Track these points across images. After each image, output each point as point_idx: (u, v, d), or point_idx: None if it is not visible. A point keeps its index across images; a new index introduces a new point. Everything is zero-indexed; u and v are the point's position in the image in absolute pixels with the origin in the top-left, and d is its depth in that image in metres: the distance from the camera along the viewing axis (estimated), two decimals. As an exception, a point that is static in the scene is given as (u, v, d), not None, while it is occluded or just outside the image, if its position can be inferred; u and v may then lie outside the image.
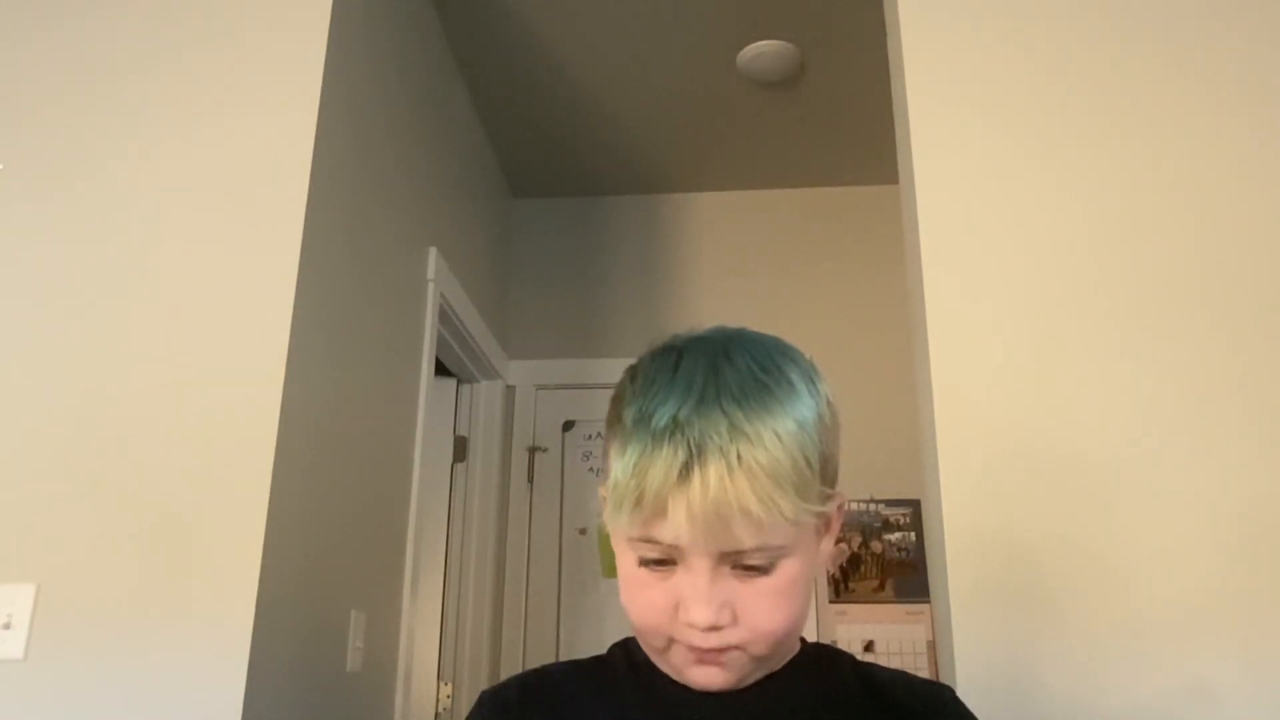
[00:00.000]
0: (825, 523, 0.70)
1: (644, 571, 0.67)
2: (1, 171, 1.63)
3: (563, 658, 3.13)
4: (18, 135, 1.65)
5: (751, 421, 0.63)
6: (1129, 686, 1.17)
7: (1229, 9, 1.46)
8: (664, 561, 0.66)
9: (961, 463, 1.28)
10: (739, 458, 0.62)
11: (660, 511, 0.63)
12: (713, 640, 0.65)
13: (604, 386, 3.14)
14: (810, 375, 0.70)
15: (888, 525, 2.74)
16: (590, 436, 3.01)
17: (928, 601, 2.58)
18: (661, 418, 0.64)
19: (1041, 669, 1.19)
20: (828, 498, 0.68)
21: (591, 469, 2.98)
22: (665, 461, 0.63)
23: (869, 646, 2.63)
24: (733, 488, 0.61)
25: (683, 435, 0.63)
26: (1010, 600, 1.22)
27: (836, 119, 2.75)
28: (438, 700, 2.57)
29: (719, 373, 0.66)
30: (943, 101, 1.46)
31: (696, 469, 0.62)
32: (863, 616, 2.67)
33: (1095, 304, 1.34)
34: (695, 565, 0.64)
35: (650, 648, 0.70)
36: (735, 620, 0.65)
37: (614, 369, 2.91)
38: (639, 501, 0.64)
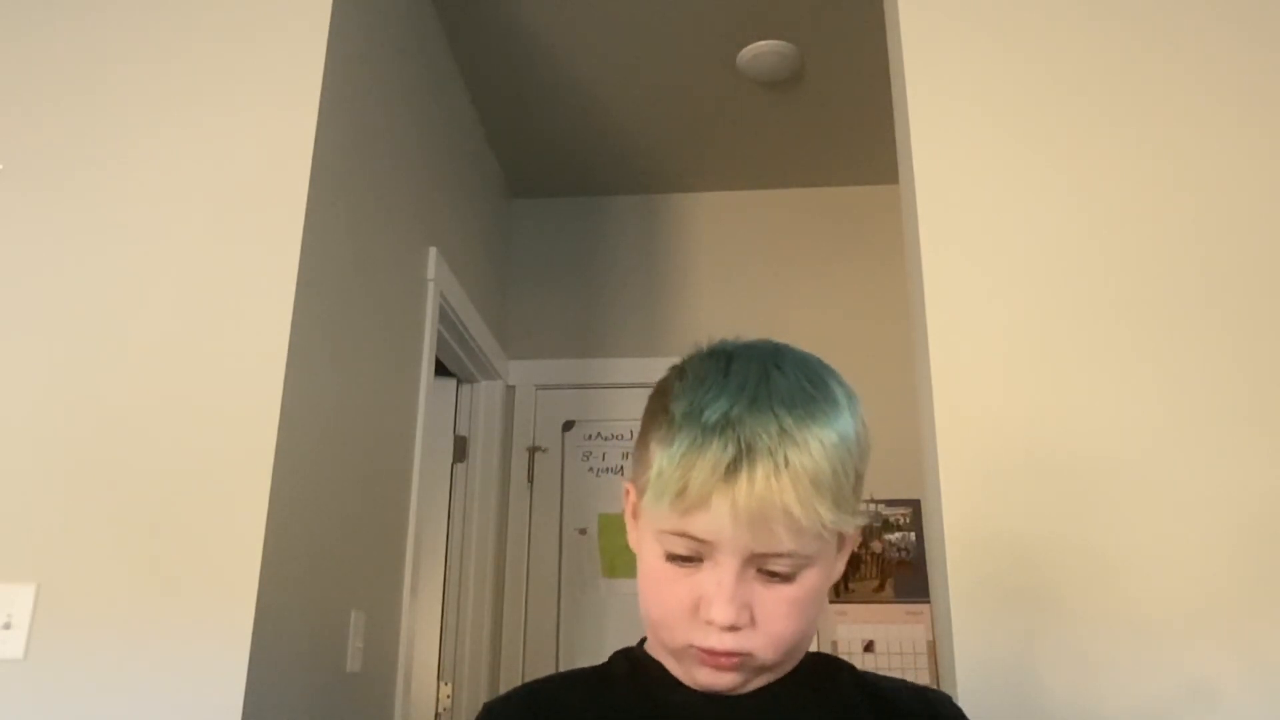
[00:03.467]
0: (842, 540, 0.72)
1: (669, 566, 0.68)
2: (1, 172, 1.63)
3: (563, 658, 3.13)
4: (17, 135, 1.65)
5: (800, 428, 0.65)
6: (1129, 686, 1.17)
7: (1229, 6, 1.46)
8: (690, 559, 0.67)
9: (961, 463, 1.28)
10: (786, 460, 0.63)
11: (702, 505, 0.64)
12: (728, 642, 0.66)
13: (604, 386, 3.14)
14: (850, 395, 0.72)
15: (888, 525, 2.74)
16: (590, 436, 3.01)
17: (928, 601, 2.58)
18: (713, 413, 0.65)
19: (1041, 669, 1.19)
20: (859, 514, 0.69)
21: (591, 469, 2.98)
22: (714, 456, 0.64)
23: (869, 646, 2.64)
24: (778, 488, 0.63)
25: (733, 432, 0.64)
26: (1010, 600, 1.22)
27: (836, 119, 2.75)
28: (438, 700, 2.57)
29: (770, 378, 0.67)
30: (943, 101, 1.46)
31: (744, 466, 0.63)
32: (863, 616, 2.67)
33: (1096, 303, 1.34)
34: (724, 563, 0.65)
35: (663, 645, 0.71)
36: (753, 623, 0.66)
37: (614, 369, 2.92)
38: (682, 493, 0.64)
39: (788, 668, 0.72)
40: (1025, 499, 1.26)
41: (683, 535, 0.66)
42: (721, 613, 0.65)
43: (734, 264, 3.09)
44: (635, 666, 0.75)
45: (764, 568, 0.66)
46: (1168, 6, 1.47)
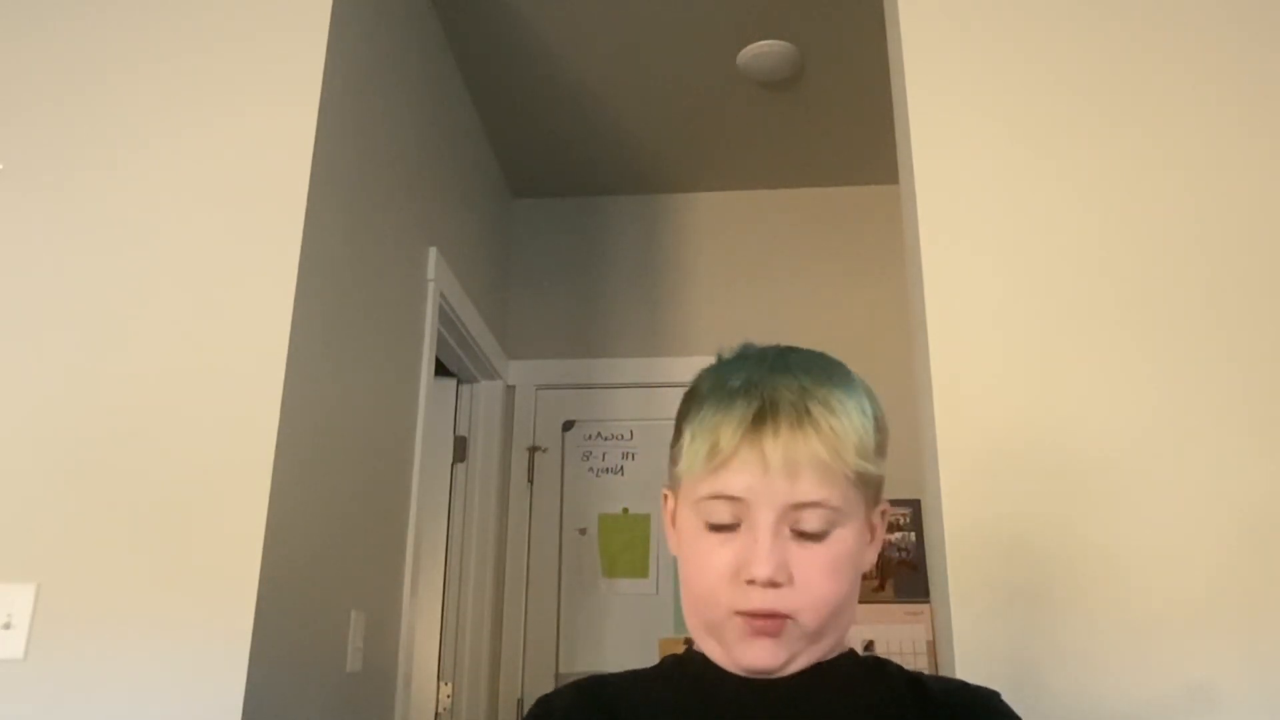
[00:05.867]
0: (871, 528, 0.75)
1: (709, 535, 0.70)
2: (1, 171, 1.62)
3: (563, 658, 3.13)
4: (17, 134, 1.65)
5: (819, 387, 0.70)
6: (1129, 686, 1.17)
7: (1229, 5, 1.46)
8: (728, 525, 0.69)
9: (961, 462, 1.28)
10: (808, 411, 0.68)
11: (732, 459, 0.68)
12: (770, 599, 0.67)
13: (604, 386, 3.14)
14: (866, 384, 0.77)
15: (888, 525, 2.74)
16: (590, 436, 3.00)
17: (928, 601, 2.58)
18: (737, 380, 0.71)
19: (1042, 669, 1.19)
20: (881, 468, 0.73)
21: (591, 469, 2.98)
22: (740, 411, 0.69)
23: (869, 647, 2.63)
24: (803, 436, 0.67)
25: (756, 391, 0.69)
26: (1010, 600, 1.22)
27: (836, 119, 2.75)
28: (438, 700, 2.57)
29: (787, 355, 0.75)
30: (943, 101, 1.46)
31: (769, 418, 0.68)
32: (863, 616, 2.66)
33: (1096, 302, 1.33)
34: (760, 521, 0.68)
35: (706, 623, 0.72)
36: (791, 582, 0.68)
37: (614, 369, 2.92)
38: (713, 450, 0.69)
39: (829, 643, 0.72)
40: (1025, 499, 1.26)
41: (718, 497, 0.69)
42: (761, 568, 0.67)
43: (734, 264, 3.09)
44: (682, 664, 0.77)
45: (797, 527, 0.68)
46: (1168, 6, 1.47)
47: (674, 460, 0.75)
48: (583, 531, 2.92)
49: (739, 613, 0.69)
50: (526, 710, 0.80)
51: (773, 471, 0.67)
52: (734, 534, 0.69)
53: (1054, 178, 1.40)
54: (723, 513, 0.69)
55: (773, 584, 0.67)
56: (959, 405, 1.31)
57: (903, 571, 2.70)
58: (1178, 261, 1.34)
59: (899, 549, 2.73)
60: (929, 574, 1.51)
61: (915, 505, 2.70)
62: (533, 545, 2.90)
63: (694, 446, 0.70)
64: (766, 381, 0.70)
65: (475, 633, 2.68)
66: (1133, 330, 1.32)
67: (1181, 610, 1.19)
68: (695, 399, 0.74)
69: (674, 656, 0.79)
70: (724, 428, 0.68)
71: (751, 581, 0.67)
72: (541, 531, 2.91)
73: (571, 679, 0.80)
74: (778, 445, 0.67)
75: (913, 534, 2.72)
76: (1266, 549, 1.21)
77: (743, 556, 0.68)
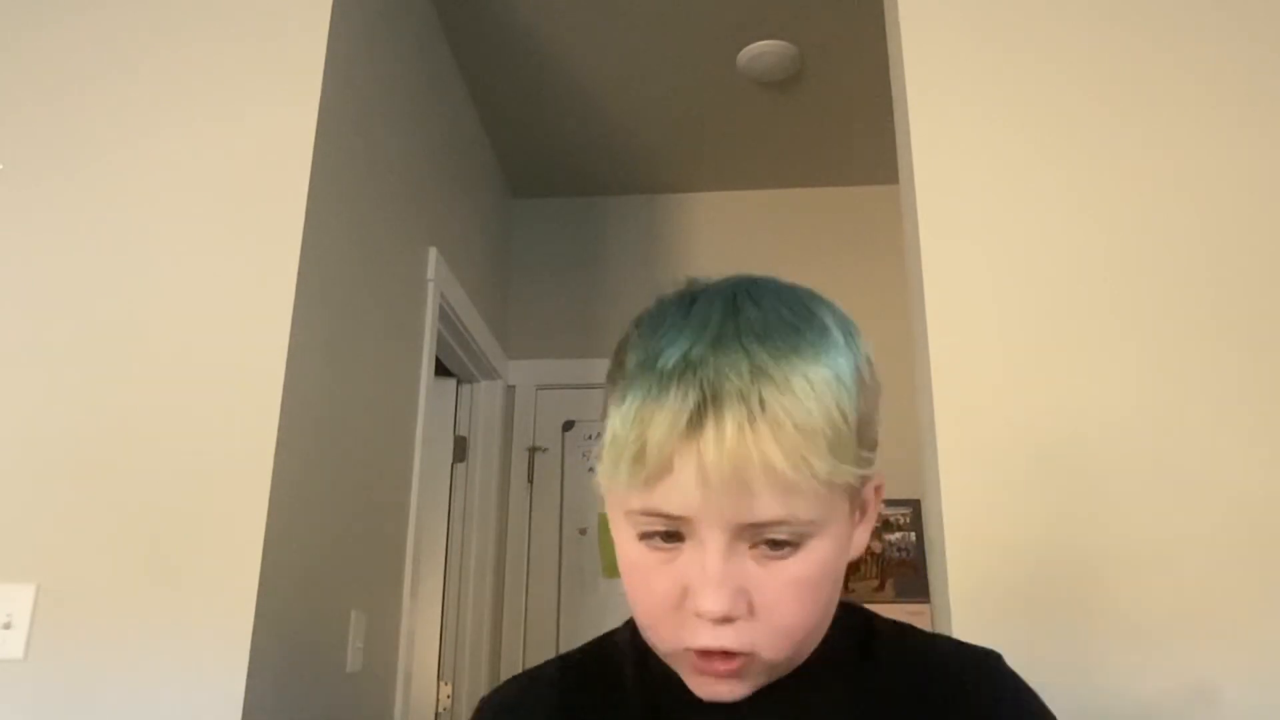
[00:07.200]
0: (861, 507, 0.60)
1: (646, 552, 0.56)
2: (1, 172, 1.62)
3: (563, 658, 3.06)
4: (17, 133, 1.65)
5: (778, 363, 0.53)
6: (1129, 686, 1.17)
7: (1230, 3, 1.46)
8: (671, 535, 0.55)
9: (961, 462, 1.28)
10: (761, 403, 0.51)
11: (664, 471, 0.53)
12: (724, 638, 0.54)
13: (604, 386, 3.15)
14: (848, 326, 0.60)
15: (888, 525, 2.74)
16: (590, 436, 3.00)
17: (928, 601, 2.58)
18: (670, 358, 0.54)
19: (1041, 669, 1.19)
20: (866, 463, 0.56)
21: (591, 469, 2.96)
22: (673, 406, 0.52)
23: (869, 646, 2.63)
24: (754, 439, 0.51)
25: (694, 376, 0.52)
26: (1010, 600, 1.22)
27: (836, 119, 2.75)
28: (438, 700, 2.57)
29: (740, 311, 0.56)
30: (943, 100, 1.46)
31: (710, 416, 0.51)
32: (863, 616, 2.67)
33: (1096, 302, 1.33)
34: (707, 540, 0.53)
35: (656, 650, 0.60)
36: (751, 612, 0.54)
37: (614, 369, 2.78)
38: (639, 457, 0.53)
39: (799, 662, 0.60)
40: (1026, 498, 1.26)
41: (652, 514, 0.54)
42: (710, 603, 0.53)
43: (734, 264, 3.02)
44: (640, 651, 0.65)
45: (758, 541, 0.54)
46: (1168, 5, 1.47)
47: (598, 455, 0.57)
48: (583, 531, 2.92)
49: (689, 648, 0.55)
50: (484, 709, 0.72)
51: (717, 487, 0.51)
52: (677, 551, 0.55)
53: (1054, 177, 1.40)
54: (661, 527, 0.55)
55: (726, 619, 0.54)
56: (959, 405, 1.31)
57: (903, 571, 2.70)
58: (1178, 260, 1.34)
59: (899, 549, 2.73)
60: (929, 574, 1.51)
61: (915, 505, 2.70)
62: (533, 545, 2.90)
63: (616, 448, 0.54)
64: (708, 359, 0.53)
65: (475, 633, 2.68)
66: (1134, 330, 1.32)
67: (1182, 609, 1.19)
68: (622, 374, 0.57)
69: (628, 628, 0.68)
70: (653, 428, 0.52)
71: (700, 614, 0.54)
72: (541, 531, 2.91)
73: None
74: (722, 454, 0.51)
75: (913, 534, 2.72)
76: (1268, 550, 1.21)
77: (689, 582, 0.54)
